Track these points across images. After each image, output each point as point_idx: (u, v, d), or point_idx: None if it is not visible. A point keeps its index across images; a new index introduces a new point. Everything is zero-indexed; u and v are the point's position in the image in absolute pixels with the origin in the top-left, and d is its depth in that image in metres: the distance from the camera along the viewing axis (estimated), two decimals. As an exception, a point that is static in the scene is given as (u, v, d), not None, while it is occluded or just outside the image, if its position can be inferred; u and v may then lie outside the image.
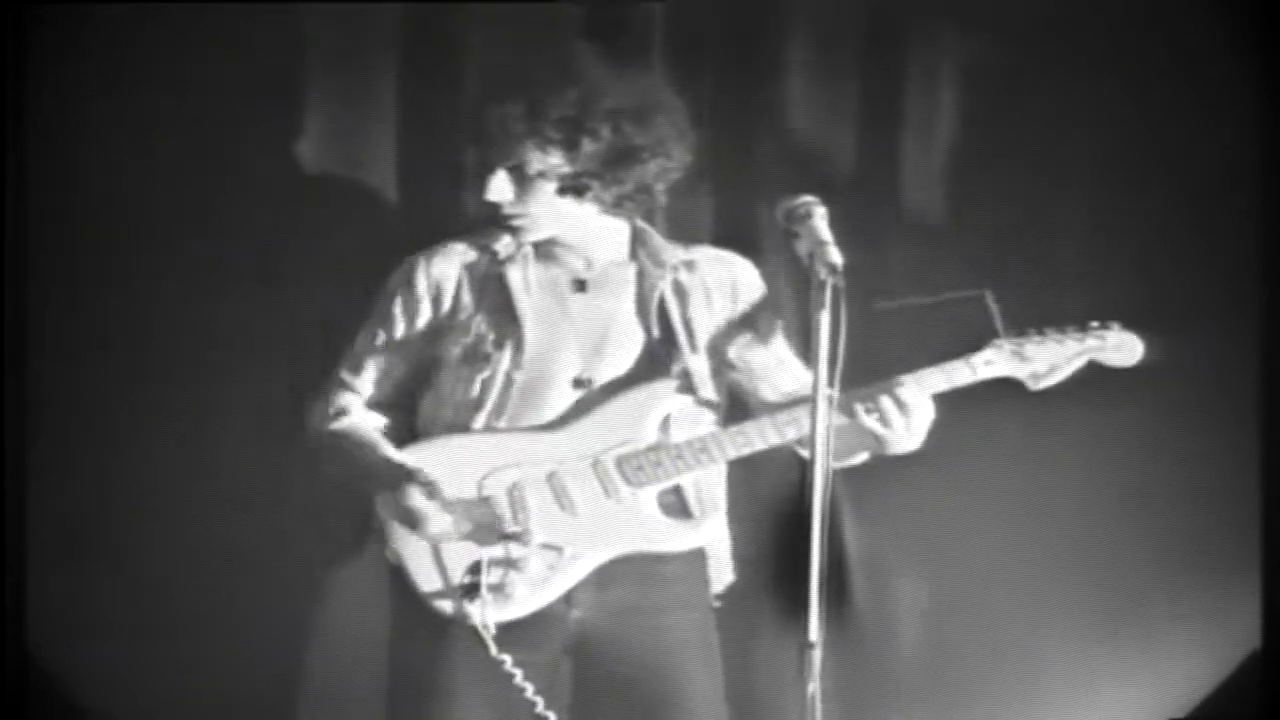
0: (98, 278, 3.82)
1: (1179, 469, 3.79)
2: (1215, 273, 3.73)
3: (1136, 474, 3.79)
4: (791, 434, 3.24)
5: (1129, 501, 3.81)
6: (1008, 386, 3.30)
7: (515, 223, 3.28)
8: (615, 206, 3.29)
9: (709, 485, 3.35)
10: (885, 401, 3.18)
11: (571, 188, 3.25)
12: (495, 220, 3.29)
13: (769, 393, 3.36)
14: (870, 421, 3.18)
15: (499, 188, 3.25)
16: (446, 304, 3.35)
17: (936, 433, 3.24)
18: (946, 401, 3.24)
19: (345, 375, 3.39)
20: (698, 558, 3.35)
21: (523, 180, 3.24)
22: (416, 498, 3.21)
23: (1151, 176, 3.76)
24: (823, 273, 2.88)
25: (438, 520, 3.21)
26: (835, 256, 2.91)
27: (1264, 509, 3.51)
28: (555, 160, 3.22)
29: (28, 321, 3.70)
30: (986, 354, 3.26)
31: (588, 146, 3.21)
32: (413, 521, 3.22)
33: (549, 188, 3.24)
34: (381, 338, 3.37)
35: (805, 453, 3.26)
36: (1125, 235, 3.76)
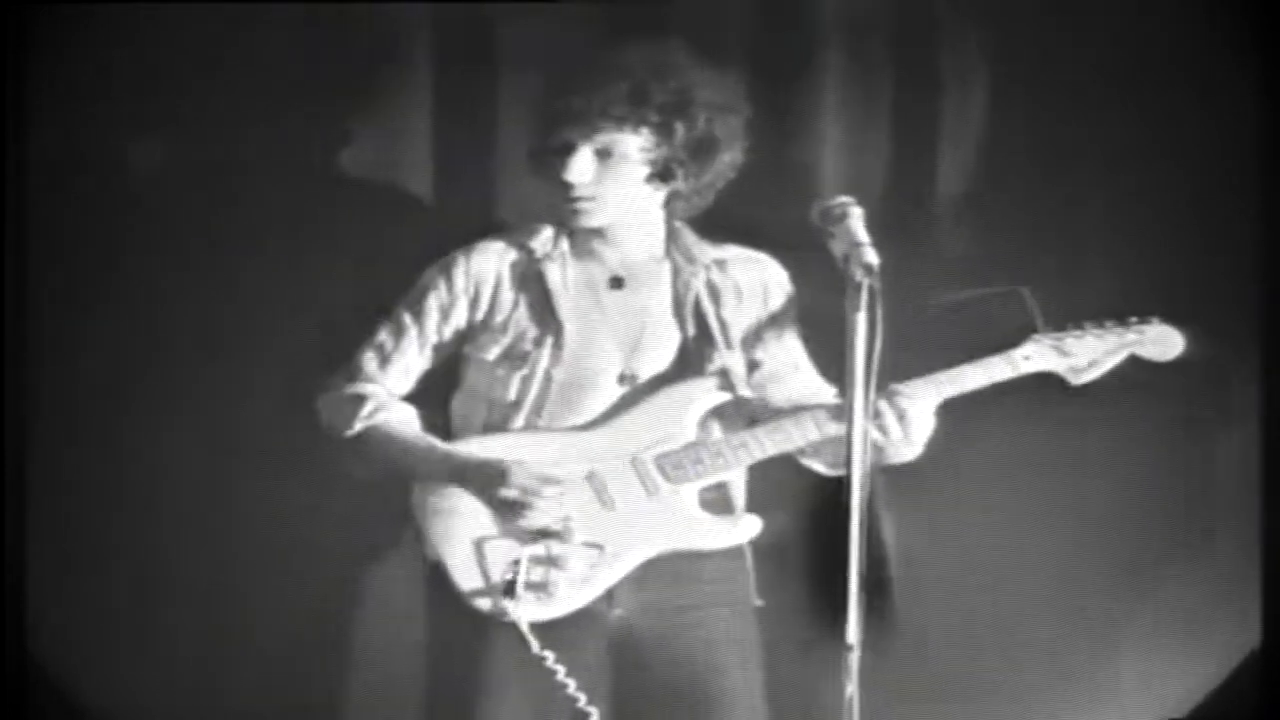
0: (114, 276, 3.82)
1: (1179, 469, 3.79)
2: (1216, 272, 3.73)
3: (1136, 473, 3.80)
4: (832, 430, 3.24)
5: (1128, 501, 3.81)
6: (1021, 387, 3.31)
7: (582, 205, 3.30)
8: (688, 198, 3.34)
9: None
10: (883, 408, 3.19)
11: (660, 173, 3.29)
12: (567, 200, 3.31)
13: (776, 396, 3.36)
14: (871, 432, 3.16)
15: (582, 167, 3.27)
16: (485, 302, 3.37)
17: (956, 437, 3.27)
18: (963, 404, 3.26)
19: (372, 367, 3.39)
20: (738, 555, 3.35)
21: (606, 161, 3.28)
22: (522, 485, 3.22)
23: (1182, 178, 3.76)
24: (858, 274, 2.87)
25: (546, 506, 3.22)
26: (871, 257, 2.90)
27: (1264, 509, 3.51)
28: (645, 144, 3.27)
29: (27, 321, 3.70)
30: (1026, 349, 3.28)
31: (680, 133, 3.26)
32: (516, 511, 3.22)
33: (632, 172, 3.29)
34: (413, 331, 3.38)
35: (813, 464, 3.33)
36: (1156, 236, 3.75)
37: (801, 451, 3.31)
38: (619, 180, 3.29)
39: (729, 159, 3.34)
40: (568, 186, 3.29)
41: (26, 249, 3.68)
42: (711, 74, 3.34)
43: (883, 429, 3.20)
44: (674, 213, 3.38)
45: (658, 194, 3.34)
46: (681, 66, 3.30)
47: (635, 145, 3.28)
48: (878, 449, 3.22)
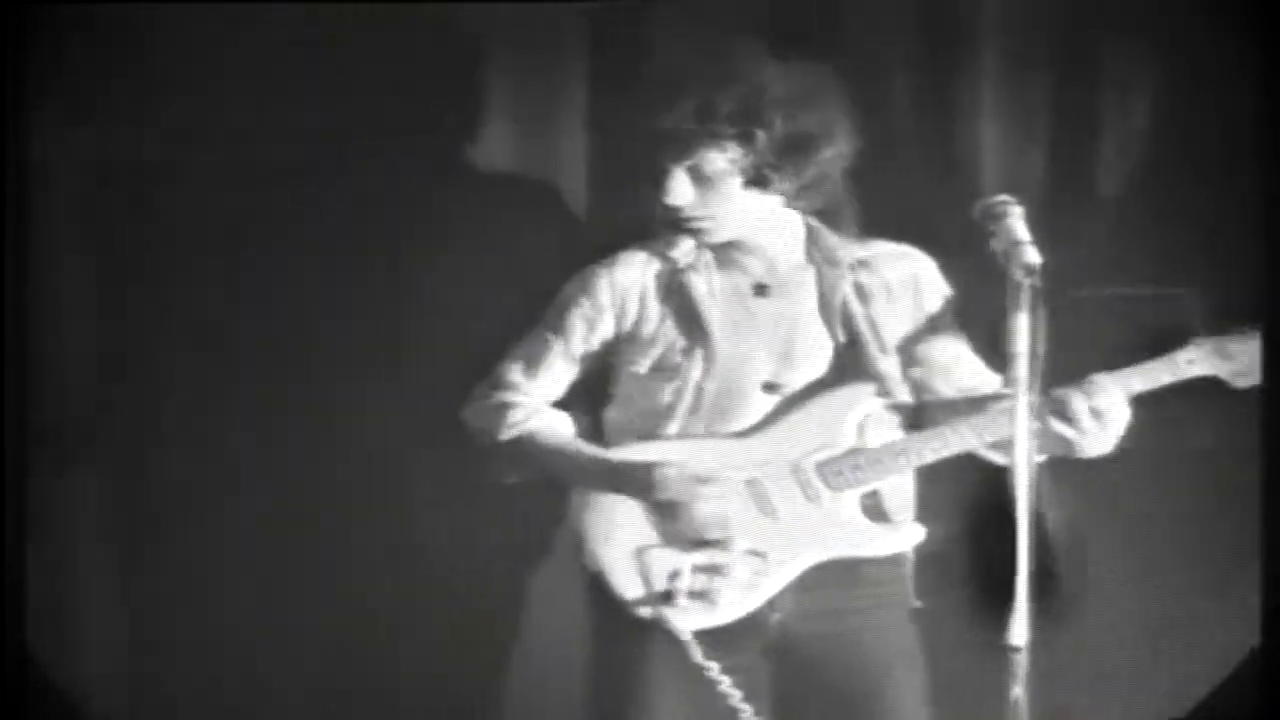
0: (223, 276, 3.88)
1: (1178, 465, 3.79)
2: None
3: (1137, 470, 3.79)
4: (990, 437, 3.22)
5: (1131, 498, 3.81)
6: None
7: (698, 224, 3.26)
8: (798, 198, 3.27)
9: (907, 489, 3.34)
10: (1078, 406, 3.16)
11: (754, 181, 3.23)
12: (676, 224, 3.28)
13: (945, 388, 3.33)
14: (1061, 427, 3.16)
15: (679, 189, 3.23)
16: (632, 314, 3.34)
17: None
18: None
19: (518, 377, 3.37)
20: (899, 559, 3.33)
21: (702, 180, 3.23)
22: (679, 484, 3.22)
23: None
24: (1019, 274, 2.86)
25: (708, 495, 3.21)
26: (1032, 256, 2.89)
27: (1264, 506, 3.49)
28: (733, 155, 3.21)
29: (28, 321, 3.70)
30: (1188, 352, 3.24)
31: (761, 138, 3.19)
32: (674, 514, 3.22)
33: (731, 184, 3.23)
34: (559, 344, 3.35)
35: (992, 455, 3.27)
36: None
37: (991, 446, 3.26)
38: (722, 196, 3.24)
39: (832, 152, 3.26)
40: (678, 208, 3.26)
41: (26, 249, 3.68)
42: (786, 67, 3.26)
43: (1078, 428, 3.17)
44: (802, 211, 3.34)
45: (769, 198, 3.29)
46: (747, 68, 3.23)
47: (723, 159, 3.22)
48: (1066, 442, 3.19)
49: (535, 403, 3.36)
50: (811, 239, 3.35)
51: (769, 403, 3.29)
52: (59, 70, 3.74)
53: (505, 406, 3.36)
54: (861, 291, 3.33)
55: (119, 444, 3.88)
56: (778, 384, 3.30)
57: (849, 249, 3.35)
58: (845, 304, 3.32)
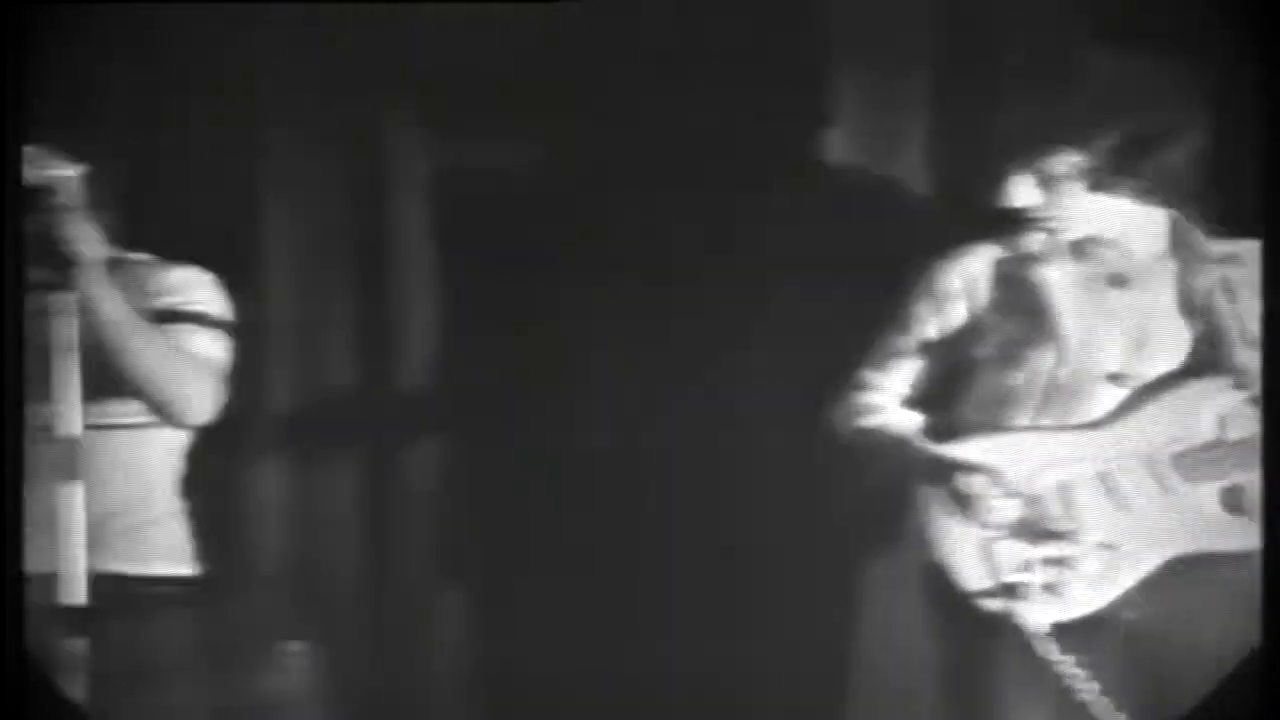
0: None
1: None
2: None
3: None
4: None
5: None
6: None
7: (1051, 225, 3.29)
8: (1146, 196, 3.26)
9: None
10: None
11: (1094, 186, 3.24)
12: (1025, 224, 3.29)
13: None
14: None
15: (1024, 192, 3.25)
16: (980, 304, 3.36)
17: None
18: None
19: (872, 374, 3.42)
20: (1251, 559, 3.29)
21: (1045, 182, 3.24)
22: (975, 484, 3.21)
23: None
24: None
25: (993, 506, 3.20)
26: None
27: (1264, 505, 3.46)
28: (1075, 159, 3.22)
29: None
30: None
31: (1102, 143, 3.21)
32: (968, 507, 3.21)
33: (1074, 187, 3.24)
34: (911, 338, 3.40)
35: None
36: None
37: None
38: (1069, 198, 3.28)
39: (1179, 151, 3.28)
40: (1023, 210, 3.27)
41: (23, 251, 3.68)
42: (1127, 67, 3.27)
43: None
44: (1149, 203, 3.32)
45: (1116, 199, 3.29)
46: (1086, 71, 3.25)
47: (1065, 163, 3.25)
48: None
49: (885, 400, 3.40)
50: (1177, 232, 3.34)
51: (1115, 394, 3.28)
52: (59, 70, 3.75)
53: (857, 406, 3.40)
54: (1227, 285, 3.30)
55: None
56: (1125, 375, 3.28)
57: (1216, 243, 3.33)
58: (1209, 297, 3.30)
